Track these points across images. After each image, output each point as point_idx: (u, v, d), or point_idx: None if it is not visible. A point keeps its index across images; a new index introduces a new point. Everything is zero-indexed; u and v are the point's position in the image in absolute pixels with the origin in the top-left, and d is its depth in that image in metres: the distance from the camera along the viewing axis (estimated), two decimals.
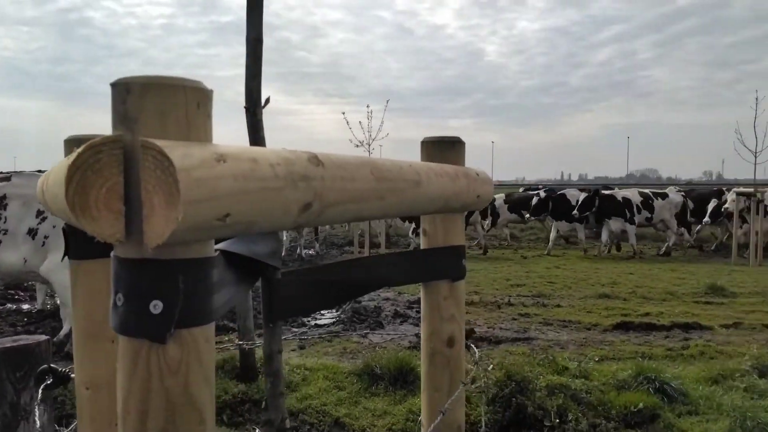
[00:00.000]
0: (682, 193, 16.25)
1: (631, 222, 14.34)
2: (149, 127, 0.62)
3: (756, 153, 15.23)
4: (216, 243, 0.80)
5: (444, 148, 1.27)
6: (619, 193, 15.06)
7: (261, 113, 1.41)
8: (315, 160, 0.73)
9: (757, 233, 12.93)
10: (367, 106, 14.25)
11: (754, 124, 15.10)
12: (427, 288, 1.28)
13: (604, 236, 14.79)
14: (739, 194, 13.53)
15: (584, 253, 14.69)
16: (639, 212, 14.53)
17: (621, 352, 5.97)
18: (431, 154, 1.27)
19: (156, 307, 0.68)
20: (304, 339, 6.28)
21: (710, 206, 14.84)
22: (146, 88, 0.63)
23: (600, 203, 14.26)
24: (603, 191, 15.14)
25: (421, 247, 1.30)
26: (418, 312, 7.06)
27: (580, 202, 14.21)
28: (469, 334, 6.65)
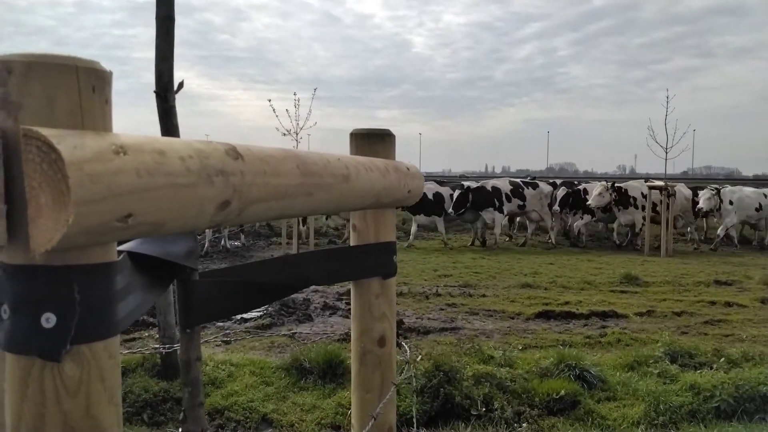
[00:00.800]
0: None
1: (500, 211, 14.46)
2: (34, 114, 0.53)
3: (667, 149, 16.18)
4: (120, 244, 0.72)
5: (374, 141, 1.22)
6: (489, 183, 15.05)
7: (174, 99, 1.30)
8: (234, 152, 0.66)
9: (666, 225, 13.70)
10: (294, 94, 14.02)
11: (665, 122, 16.03)
12: (358, 286, 1.24)
13: (479, 227, 14.93)
14: (651, 188, 14.28)
15: (445, 245, 14.44)
16: (509, 201, 14.57)
17: (543, 340, 6.17)
18: (361, 147, 1.22)
19: (48, 320, 0.59)
20: (229, 334, 6.10)
21: (558, 194, 14.94)
22: (31, 67, 0.54)
23: (473, 196, 14.26)
24: (477, 184, 15.12)
25: (351, 243, 1.25)
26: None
27: (454, 199, 14.09)
28: (399, 325, 6.68)
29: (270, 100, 13.97)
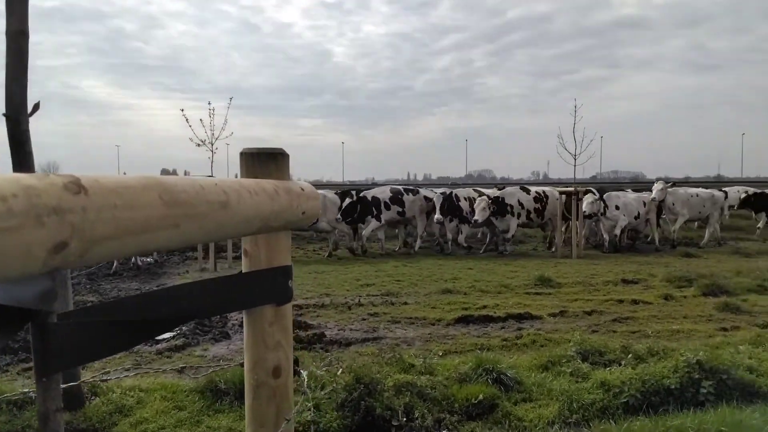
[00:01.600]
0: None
1: (378, 219, 14.64)
2: None
3: (575, 155, 16.97)
4: None
5: (265, 161, 1.15)
6: (370, 192, 15.08)
7: (27, 122, 1.18)
8: (75, 186, 0.58)
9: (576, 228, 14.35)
10: (209, 103, 13.65)
11: (573, 130, 16.88)
12: (250, 314, 1.17)
13: (364, 236, 14.91)
14: (561, 193, 14.92)
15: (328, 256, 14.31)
16: (388, 209, 14.74)
17: (462, 345, 6.26)
18: (251, 168, 1.16)
19: None
20: (138, 357, 5.79)
21: (436, 201, 14.98)
22: None
23: (360, 206, 14.40)
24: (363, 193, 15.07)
25: (243, 269, 1.18)
26: None
27: (342, 208, 14.17)
28: (320, 338, 6.58)
29: (183, 110, 13.53)
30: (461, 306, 8.13)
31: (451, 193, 15.33)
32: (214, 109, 13.50)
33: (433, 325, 7.26)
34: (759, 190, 18.57)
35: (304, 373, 1.28)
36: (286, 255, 1.17)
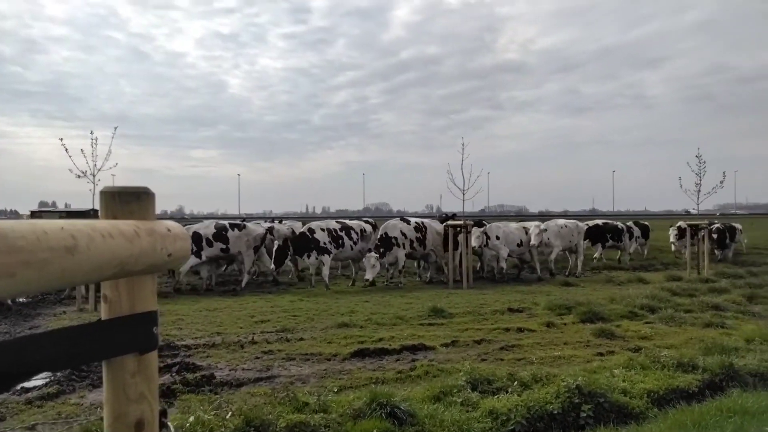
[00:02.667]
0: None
1: (198, 256, 14.03)
2: None
3: (464, 190, 17.69)
4: None
5: (128, 201, 1.10)
6: (192, 228, 14.60)
7: None
8: None
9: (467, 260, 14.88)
10: (91, 132, 12.91)
11: (462, 166, 17.62)
12: (110, 365, 1.09)
13: (204, 273, 14.61)
14: (451, 226, 15.44)
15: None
16: (210, 245, 14.32)
17: (358, 379, 6.23)
18: (111, 208, 1.09)
19: None
20: (3, 408, 5.25)
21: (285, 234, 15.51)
22: None
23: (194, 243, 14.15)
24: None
25: (102, 316, 1.10)
26: (159, 357, 6.47)
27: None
28: (210, 379, 6.29)
29: (62, 139, 12.71)
30: (357, 339, 8.11)
31: (308, 228, 15.15)
32: (96, 139, 12.80)
33: (329, 360, 7.17)
34: (600, 222, 20.24)
35: (172, 426, 1.20)
36: (150, 300, 1.10)
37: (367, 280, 14.31)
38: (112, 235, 0.92)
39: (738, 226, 22.66)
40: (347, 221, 16.06)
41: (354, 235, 15.28)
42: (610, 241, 19.28)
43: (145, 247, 1.04)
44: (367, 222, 16.84)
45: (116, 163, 12.98)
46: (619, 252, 20.48)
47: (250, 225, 15.49)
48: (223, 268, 16.64)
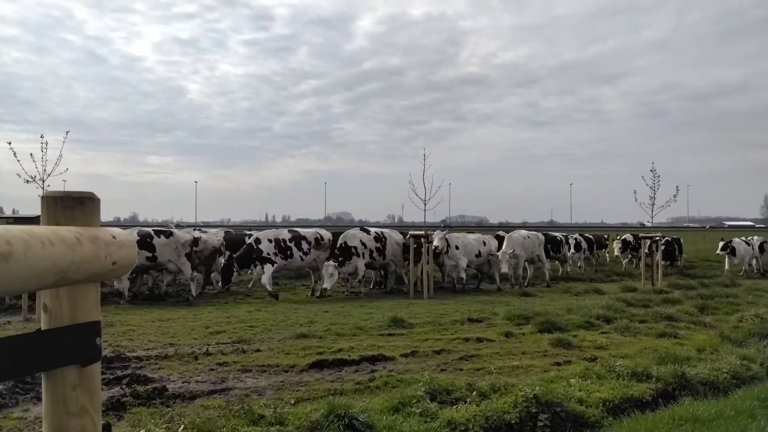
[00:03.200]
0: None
1: None
2: None
3: (425, 201, 17.79)
4: None
5: (70, 206, 1.03)
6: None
7: None
8: None
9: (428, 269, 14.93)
10: (41, 136, 12.45)
11: (423, 177, 17.70)
12: (50, 377, 1.02)
13: (124, 283, 13.55)
14: (412, 236, 15.49)
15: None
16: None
17: (316, 391, 6.13)
18: (53, 214, 1.03)
19: None
20: None
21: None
22: None
23: None
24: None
25: (42, 326, 1.04)
26: (109, 369, 6.23)
27: None
28: (162, 391, 6.11)
29: (10, 143, 12.22)
30: (316, 350, 8.01)
31: (254, 239, 14.98)
32: (47, 143, 12.33)
33: (287, 372, 7.05)
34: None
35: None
36: (93, 310, 1.04)
37: (325, 289, 14.22)
38: (52, 241, 0.86)
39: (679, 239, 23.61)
40: (301, 230, 15.83)
41: (305, 245, 14.97)
42: (551, 253, 19.68)
43: (88, 254, 0.99)
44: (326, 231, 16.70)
45: (67, 168, 12.54)
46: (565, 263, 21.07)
47: (177, 231, 14.75)
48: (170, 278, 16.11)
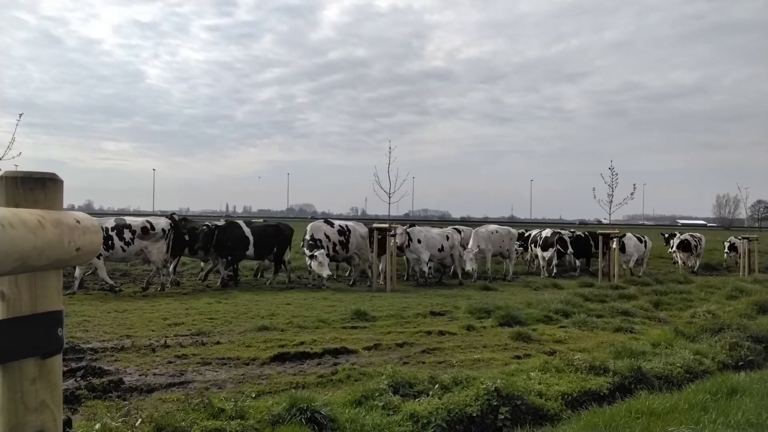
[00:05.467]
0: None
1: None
2: None
3: (390, 194, 17.80)
4: None
5: (32, 188, 0.96)
6: None
7: None
8: None
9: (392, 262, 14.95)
10: None
11: (388, 170, 17.70)
12: (6, 370, 0.96)
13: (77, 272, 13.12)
14: (376, 229, 15.48)
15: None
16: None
17: (277, 384, 6.07)
18: (14, 195, 0.96)
19: None
20: None
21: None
22: None
23: None
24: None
25: (0, 315, 0.97)
26: (63, 360, 6.05)
27: None
28: (118, 384, 5.95)
29: None
30: (278, 343, 7.92)
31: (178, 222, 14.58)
32: None
33: (248, 365, 6.95)
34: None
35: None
36: (55, 299, 0.98)
37: (321, 278, 14.65)
38: (12, 224, 0.80)
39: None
40: (130, 218, 14.54)
41: (128, 235, 13.72)
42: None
43: (51, 239, 0.93)
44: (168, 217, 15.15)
45: (20, 153, 12.07)
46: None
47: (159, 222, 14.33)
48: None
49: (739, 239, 22.27)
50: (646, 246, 20.73)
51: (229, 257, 14.91)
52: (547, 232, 19.77)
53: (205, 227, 14.98)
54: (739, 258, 25.22)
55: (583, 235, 20.44)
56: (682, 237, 22.38)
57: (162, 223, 14.25)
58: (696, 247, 22.42)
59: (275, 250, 15.71)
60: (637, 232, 23.49)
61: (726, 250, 25.35)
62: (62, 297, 1.06)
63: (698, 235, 23.66)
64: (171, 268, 14.80)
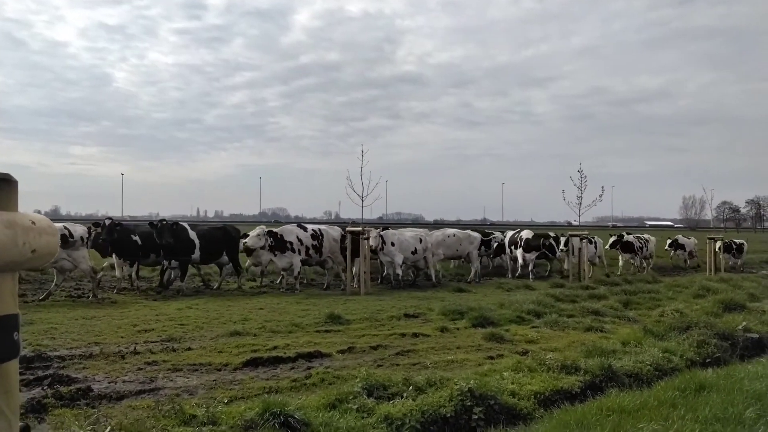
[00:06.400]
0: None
1: None
2: None
3: (363, 197, 17.80)
4: None
5: None
6: None
7: None
8: None
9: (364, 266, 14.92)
10: None
11: (361, 173, 17.72)
12: None
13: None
14: (350, 232, 15.45)
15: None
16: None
17: (250, 389, 6.00)
18: None
19: None
20: None
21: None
22: None
23: None
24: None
25: None
26: (29, 369, 5.85)
27: None
28: (86, 392, 5.81)
29: None
30: (250, 348, 7.84)
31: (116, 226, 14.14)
32: None
33: (220, 370, 6.86)
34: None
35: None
36: (9, 302, 0.94)
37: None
38: None
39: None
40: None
41: None
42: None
43: (4, 240, 0.89)
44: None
45: None
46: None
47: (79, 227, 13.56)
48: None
49: (714, 239, 22.16)
50: (596, 247, 20.73)
51: (175, 261, 14.53)
52: (527, 234, 19.80)
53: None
54: (689, 257, 25.61)
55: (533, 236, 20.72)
56: (626, 238, 22.14)
57: (79, 230, 13.40)
58: (641, 248, 22.26)
59: (225, 253, 15.46)
60: (605, 234, 23.85)
61: (666, 248, 25.41)
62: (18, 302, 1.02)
63: (645, 236, 23.42)
64: (133, 274, 14.49)
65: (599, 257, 21.32)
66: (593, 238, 20.55)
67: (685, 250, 25.71)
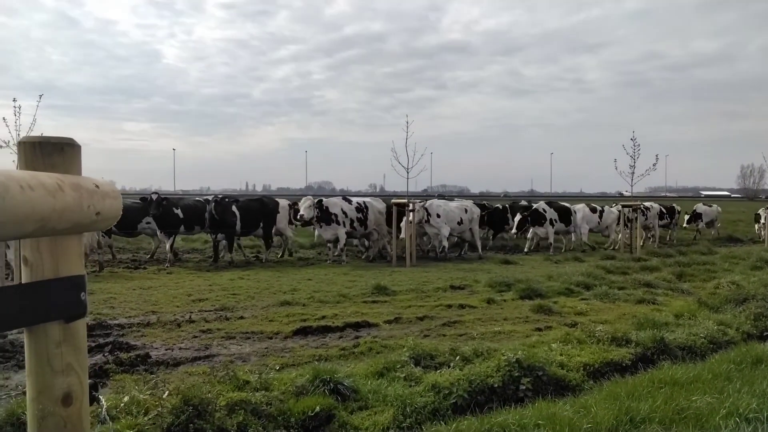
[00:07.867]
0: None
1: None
2: None
3: (408, 169, 17.71)
4: None
5: (49, 152, 0.97)
6: None
7: None
8: None
9: (410, 237, 14.95)
10: (14, 100, 12.04)
11: (406, 145, 17.56)
12: (32, 333, 0.97)
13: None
14: (395, 204, 15.47)
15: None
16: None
17: (300, 357, 6.15)
18: (33, 161, 0.96)
19: None
20: None
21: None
22: None
23: None
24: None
25: (23, 279, 0.99)
26: (90, 336, 6.14)
27: None
28: (145, 358, 6.08)
29: None
30: (300, 317, 8.01)
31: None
32: (20, 107, 11.93)
33: (271, 338, 7.05)
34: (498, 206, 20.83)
35: (103, 399, 1.09)
36: (77, 263, 0.99)
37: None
38: (31, 186, 0.80)
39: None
40: None
41: None
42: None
43: (70, 202, 0.93)
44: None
45: (42, 134, 12.16)
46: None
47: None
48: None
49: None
50: (600, 217, 19.96)
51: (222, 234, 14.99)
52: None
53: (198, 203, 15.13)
54: (705, 228, 24.47)
55: (501, 208, 20.33)
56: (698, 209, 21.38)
57: None
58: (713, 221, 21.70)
59: (261, 225, 15.69)
60: (660, 203, 23.13)
61: (686, 219, 24.26)
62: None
63: (648, 204, 21.93)
64: (168, 246, 14.91)
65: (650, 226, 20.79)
66: (599, 207, 20.01)
67: (702, 221, 24.40)
